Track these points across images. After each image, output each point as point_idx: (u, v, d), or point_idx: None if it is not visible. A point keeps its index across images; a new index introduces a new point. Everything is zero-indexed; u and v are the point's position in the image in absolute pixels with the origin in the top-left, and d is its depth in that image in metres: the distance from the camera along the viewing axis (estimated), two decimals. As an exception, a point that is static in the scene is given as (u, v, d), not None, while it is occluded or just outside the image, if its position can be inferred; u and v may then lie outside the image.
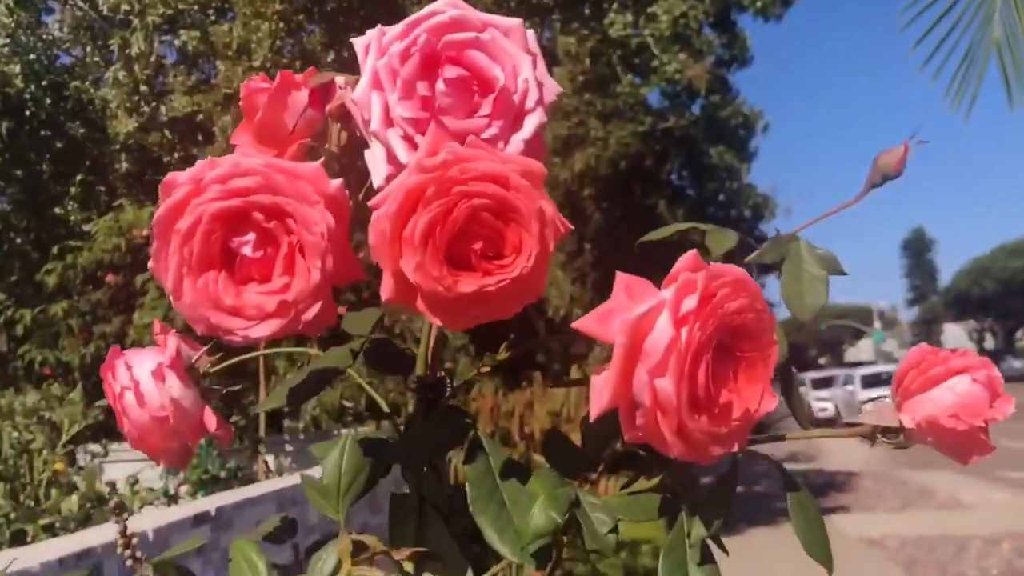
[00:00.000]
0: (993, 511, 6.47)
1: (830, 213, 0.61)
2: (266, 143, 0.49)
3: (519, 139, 0.45)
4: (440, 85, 0.43)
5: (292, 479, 3.34)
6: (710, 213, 9.22)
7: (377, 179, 0.46)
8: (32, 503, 2.40)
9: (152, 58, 7.62)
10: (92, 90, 7.97)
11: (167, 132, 7.73)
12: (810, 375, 17.60)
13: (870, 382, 13.36)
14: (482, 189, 0.39)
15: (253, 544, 0.58)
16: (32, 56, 7.47)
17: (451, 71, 0.43)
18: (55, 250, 5.30)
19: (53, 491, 2.78)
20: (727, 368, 0.41)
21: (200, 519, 2.35)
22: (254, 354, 0.69)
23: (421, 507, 0.55)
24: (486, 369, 0.58)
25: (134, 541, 0.73)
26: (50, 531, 2.50)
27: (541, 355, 5.99)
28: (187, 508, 2.54)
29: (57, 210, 7.12)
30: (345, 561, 0.41)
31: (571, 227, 0.43)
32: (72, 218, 7.05)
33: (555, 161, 6.81)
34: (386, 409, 0.59)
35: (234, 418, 3.69)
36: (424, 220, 0.39)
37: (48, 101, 7.50)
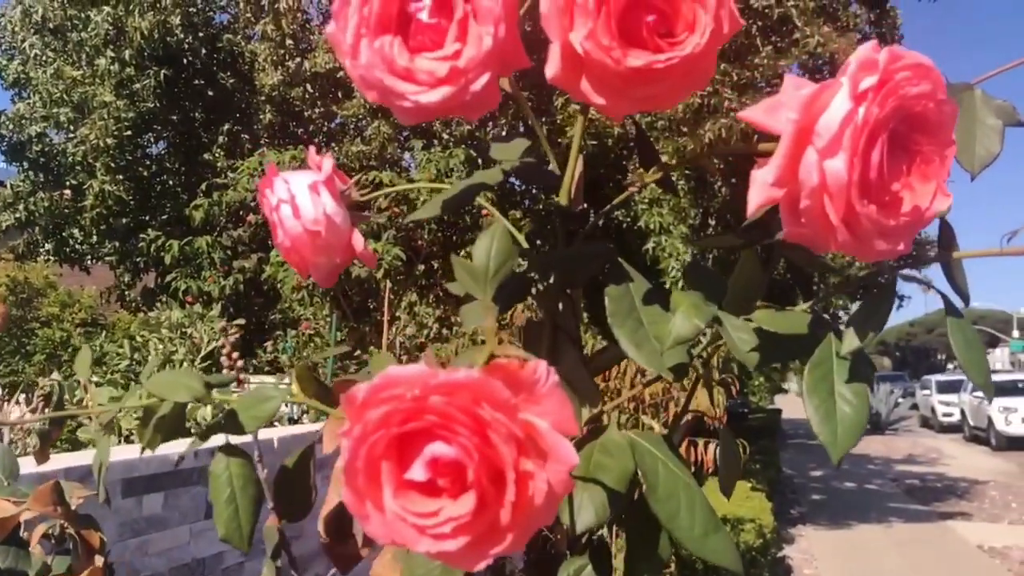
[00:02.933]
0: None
1: (1010, 67, 0.57)
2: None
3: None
4: None
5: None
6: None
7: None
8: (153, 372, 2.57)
9: (298, 14, 7.92)
10: (243, 44, 8.38)
11: (309, 87, 8.04)
12: (936, 378, 16.62)
13: (1003, 390, 12.48)
14: (659, -43, 0.39)
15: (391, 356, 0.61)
16: (192, 9, 7.91)
17: None
18: (203, 187, 5.62)
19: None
20: (901, 162, 0.39)
21: (304, 402, 2.48)
22: (396, 188, 0.71)
23: (554, 334, 0.56)
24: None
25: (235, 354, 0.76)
26: (187, 434, 2.68)
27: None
28: (310, 427, 2.67)
29: (206, 156, 7.55)
30: (490, 340, 0.42)
31: (743, 23, 0.42)
32: (219, 164, 7.46)
33: (684, 131, 6.66)
34: (524, 244, 0.60)
35: (357, 352, 3.83)
36: (599, -16, 0.39)
37: (203, 52, 7.94)
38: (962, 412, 14.27)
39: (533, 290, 0.56)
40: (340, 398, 0.62)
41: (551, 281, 0.56)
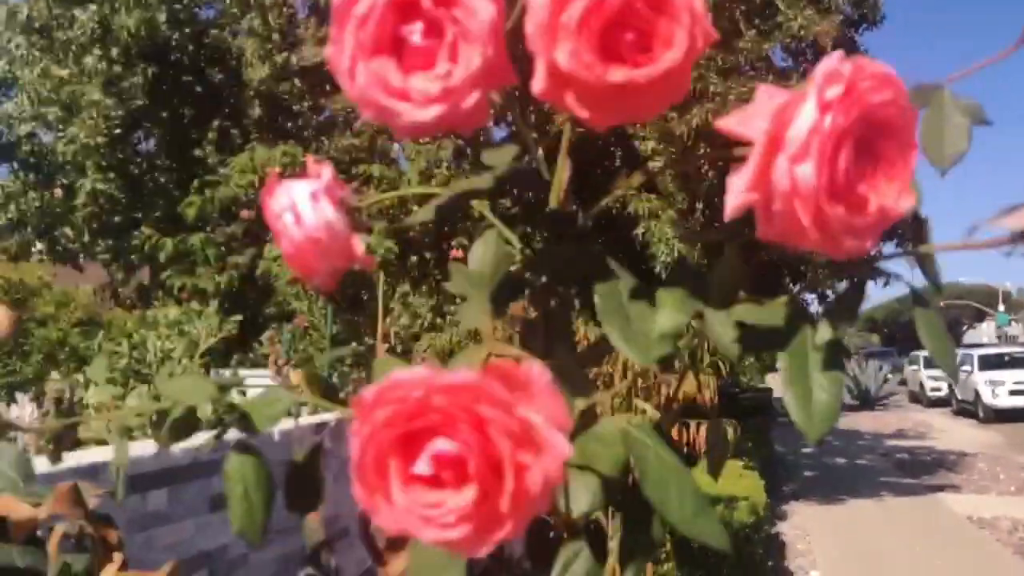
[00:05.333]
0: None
1: (981, 66, 0.59)
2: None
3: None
4: None
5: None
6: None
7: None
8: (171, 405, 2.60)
9: (285, 8, 7.91)
10: (230, 39, 8.36)
11: (297, 81, 8.03)
12: (923, 353, 16.74)
13: (989, 363, 12.58)
14: (637, -21, 0.41)
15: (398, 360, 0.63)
16: (178, 5, 7.88)
17: None
18: (195, 184, 5.64)
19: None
20: (866, 165, 0.42)
21: (320, 427, 2.51)
22: (391, 194, 0.74)
23: (549, 330, 0.59)
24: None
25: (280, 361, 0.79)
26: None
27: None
28: (310, 418, 2.70)
29: (196, 152, 7.54)
30: (488, 341, 0.45)
31: (718, 37, 0.45)
32: (210, 160, 7.46)
33: (671, 115, 6.68)
34: (516, 244, 0.63)
35: (353, 344, 3.86)
36: (580, 6, 0.41)
37: (190, 48, 7.92)
38: (950, 386, 14.40)
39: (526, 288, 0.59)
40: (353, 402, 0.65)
41: (544, 280, 0.58)
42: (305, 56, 7.82)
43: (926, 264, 0.52)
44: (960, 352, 14.61)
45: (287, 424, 2.56)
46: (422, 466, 0.37)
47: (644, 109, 0.45)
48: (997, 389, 12.06)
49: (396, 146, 7.73)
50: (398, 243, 5.43)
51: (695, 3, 0.43)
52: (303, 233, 0.61)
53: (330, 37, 0.45)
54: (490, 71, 0.44)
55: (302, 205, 0.61)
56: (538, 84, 0.45)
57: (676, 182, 6.89)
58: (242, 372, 4.37)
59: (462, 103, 0.44)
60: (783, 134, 0.41)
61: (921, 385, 15.80)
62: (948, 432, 11.03)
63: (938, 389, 15.03)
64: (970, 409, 12.94)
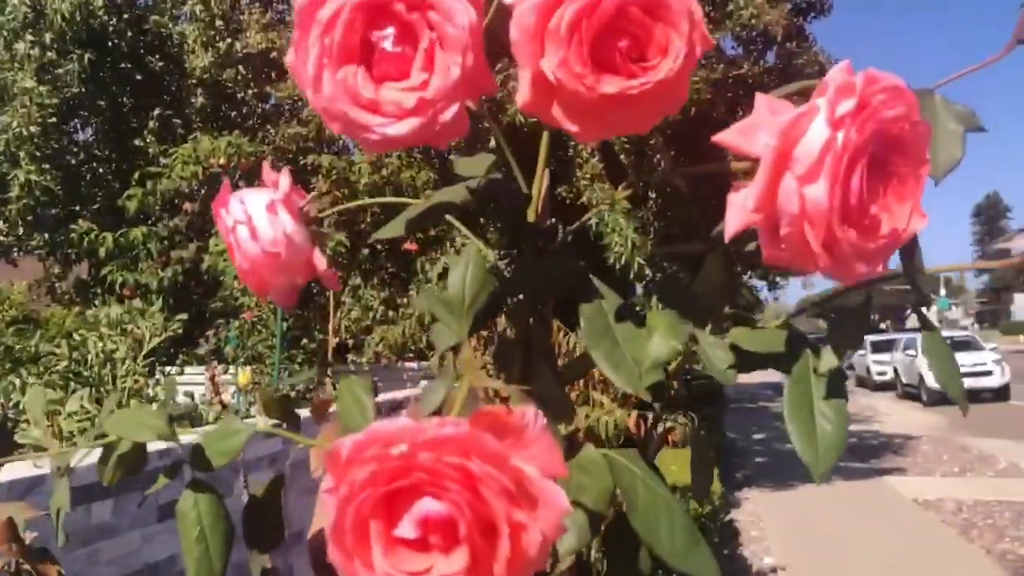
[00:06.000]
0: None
1: (969, 71, 0.57)
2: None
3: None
4: None
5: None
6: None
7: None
8: (114, 408, 2.50)
9: (228, -7, 7.68)
10: (171, 25, 8.10)
11: (241, 68, 7.82)
12: (870, 339, 17.16)
13: None
14: (632, -19, 0.38)
15: (361, 382, 0.59)
16: (114, -11, 7.59)
17: None
18: (136, 176, 5.45)
19: (132, 401, 2.90)
20: (878, 184, 0.39)
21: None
22: (354, 204, 0.69)
23: (527, 351, 0.55)
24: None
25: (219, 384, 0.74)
26: (132, 437, 2.61)
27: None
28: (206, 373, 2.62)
29: (137, 142, 7.30)
30: (467, 371, 0.41)
31: (714, 43, 0.42)
32: (151, 150, 7.23)
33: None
34: (490, 256, 0.59)
35: (304, 341, 3.78)
36: (571, 10, 0.38)
37: (129, 35, 7.65)
38: (895, 370, 14.76)
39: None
40: (323, 429, 0.60)
41: (521, 298, 0.55)
42: (249, 43, 7.62)
43: (917, 282, 0.50)
44: (904, 336, 15.02)
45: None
46: (407, 529, 0.33)
47: (637, 121, 0.41)
48: (940, 372, 12.37)
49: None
50: (348, 235, 5.33)
51: (694, 8, 0.39)
52: (259, 248, 0.56)
53: (292, 41, 0.40)
54: (469, 80, 0.40)
55: (258, 218, 0.57)
56: (522, 96, 0.41)
57: (630, 172, 6.89)
58: (188, 370, 4.25)
59: (440, 116, 0.40)
60: (791, 150, 0.38)
61: (868, 369, 16.16)
62: (894, 416, 11.32)
63: (883, 373, 15.39)
64: (914, 393, 13.28)
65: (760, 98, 0.42)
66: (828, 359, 0.43)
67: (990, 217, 46.76)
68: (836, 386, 0.44)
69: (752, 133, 0.40)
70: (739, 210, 0.40)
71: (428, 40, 0.39)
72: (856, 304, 0.44)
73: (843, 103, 0.37)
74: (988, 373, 12.25)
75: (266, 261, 0.57)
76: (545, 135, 0.55)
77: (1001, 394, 12.31)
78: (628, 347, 0.48)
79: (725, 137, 0.41)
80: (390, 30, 0.40)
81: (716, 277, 0.56)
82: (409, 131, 0.40)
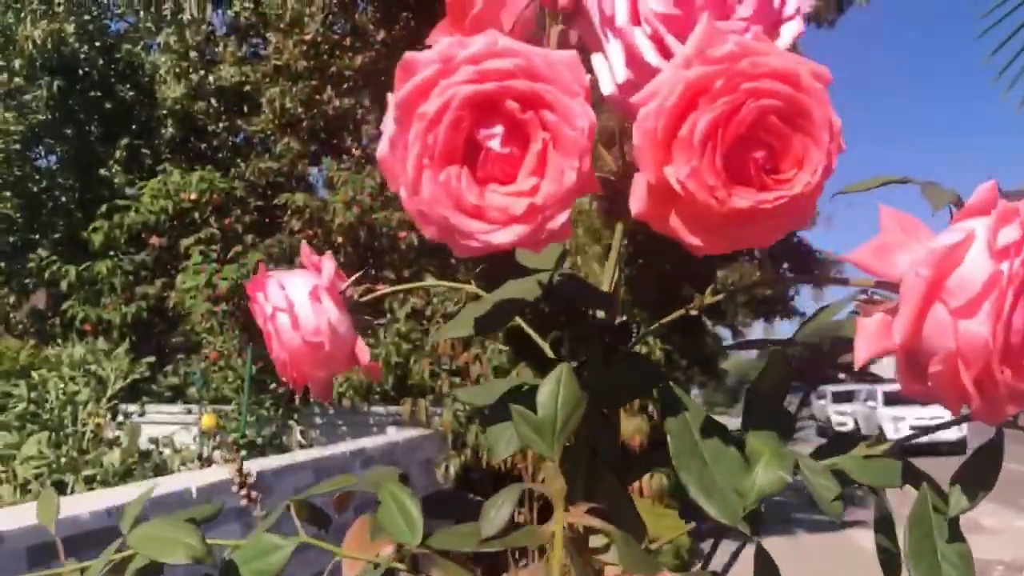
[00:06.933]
0: (1016, 536, 6.35)
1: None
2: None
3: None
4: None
5: (328, 449, 3.32)
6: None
7: (608, 86, 0.41)
8: (75, 454, 2.40)
9: (204, 25, 7.63)
10: (143, 55, 8.01)
11: (214, 100, 7.74)
12: (831, 388, 17.34)
13: (892, 400, 13.10)
14: (773, 88, 0.34)
15: (405, 488, 0.54)
16: (87, 17, 7.51)
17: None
18: (103, 208, 5.31)
19: (92, 445, 2.77)
20: (1029, 316, 0.36)
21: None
22: (402, 288, 0.65)
23: (593, 460, 0.51)
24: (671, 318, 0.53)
25: (250, 480, 0.68)
26: (90, 483, 2.49)
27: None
28: (229, 469, 2.52)
29: (102, 171, 7.16)
30: (558, 503, 0.36)
31: (845, 148, 0.38)
32: (116, 180, 7.08)
33: (600, 154, 6.71)
34: (550, 353, 0.55)
35: (273, 385, 3.68)
36: (706, 119, 0.34)
37: (100, 63, 7.54)
38: (855, 421, 14.90)
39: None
40: (351, 533, 0.54)
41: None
42: (223, 76, 7.55)
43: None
44: (865, 388, 15.20)
45: (206, 478, 2.37)
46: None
47: (763, 236, 0.37)
48: (899, 424, 12.51)
49: (314, 170, 7.53)
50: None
51: (834, 118, 0.36)
52: (301, 338, 0.52)
53: (387, 137, 0.36)
54: (582, 186, 0.36)
55: (300, 306, 0.52)
56: (637, 204, 0.37)
57: (600, 218, 6.92)
58: (149, 408, 4.10)
59: (548, 223, 0.36)
60: (944, 280, 0.34)
61: (829, 420, 16.29)
62: (853, 466, 11.38)
63: (844, 424, 15.53)
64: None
65: (887, 213, 0.38)
66: (959, 501, 0.39)
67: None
68: (956, 529, 0.40)
69: (887, 255, 0.37)
70: (876, 339, 0.36)
71: (542, 142, 0.35)
72: (993, 447, 0.40)
73: (1005, 230, 0.34)
74: (946, 427, 12.43)
75: (307, 352, 0.52)
76: (619, 226, 0.51)
77: (958, 447, 12.48)
78: (715, 470, 0.44)
79: (860, 257, 0.37)
80: (499, 128, 0.35)
81: (778, 375, 0.52)
82: (515, 238, 0.36)
